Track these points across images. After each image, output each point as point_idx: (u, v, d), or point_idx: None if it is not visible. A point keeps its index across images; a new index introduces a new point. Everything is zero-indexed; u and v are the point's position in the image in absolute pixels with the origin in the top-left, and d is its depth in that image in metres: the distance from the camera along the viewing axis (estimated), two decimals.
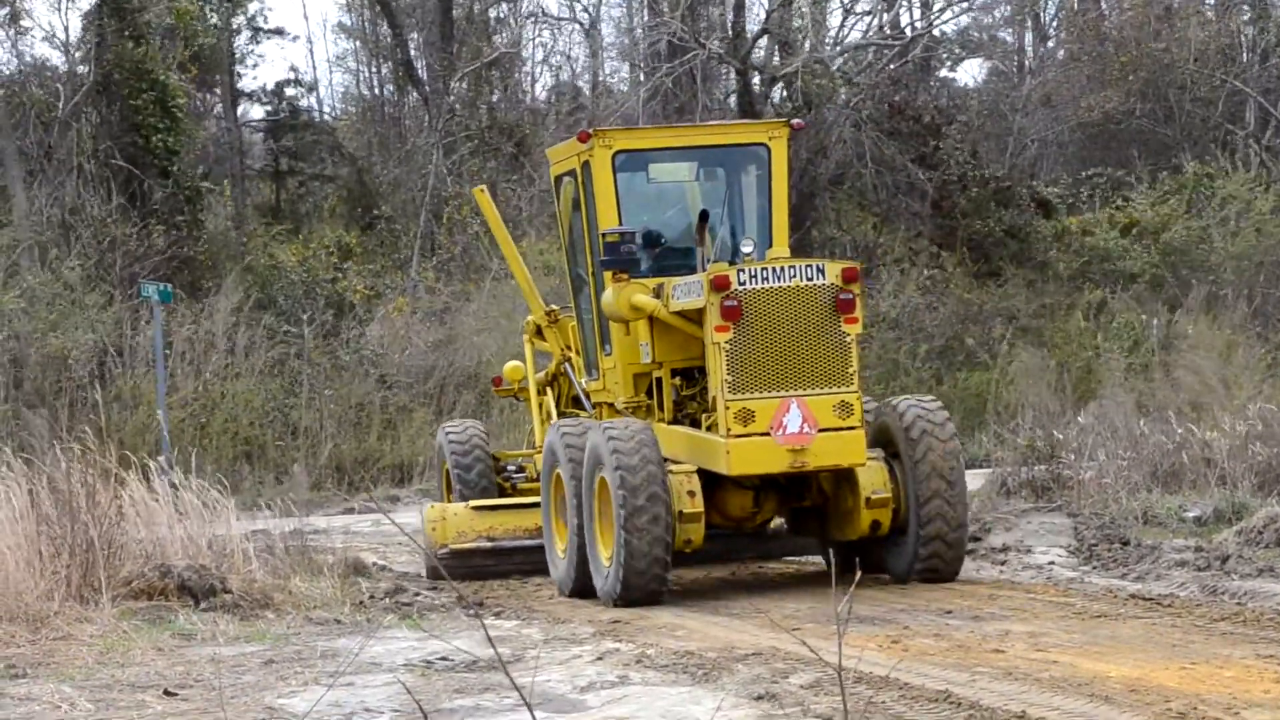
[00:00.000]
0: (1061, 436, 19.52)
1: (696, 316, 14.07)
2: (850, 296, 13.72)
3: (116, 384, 27.86)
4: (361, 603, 14.76)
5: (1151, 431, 19.92)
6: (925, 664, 10.65)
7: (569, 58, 45.86)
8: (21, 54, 36.82)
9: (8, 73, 35.44)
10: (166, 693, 10.85)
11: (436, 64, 38.51)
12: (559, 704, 10.24)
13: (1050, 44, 45.68)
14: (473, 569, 15.74)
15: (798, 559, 16.45)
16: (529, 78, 45.50)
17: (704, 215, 14.88)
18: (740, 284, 13.61)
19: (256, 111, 44.17)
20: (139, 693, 10.91)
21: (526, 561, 15.74)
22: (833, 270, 13.81)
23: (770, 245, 15.18)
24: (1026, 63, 44.56)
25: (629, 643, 12.17)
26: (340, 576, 15.49)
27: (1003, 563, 16.13)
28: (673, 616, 13.39)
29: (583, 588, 14.33)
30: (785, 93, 35.16)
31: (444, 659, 11.84)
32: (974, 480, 21.55)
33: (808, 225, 34.73)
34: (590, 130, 15.12)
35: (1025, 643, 11.41)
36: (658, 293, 14.49)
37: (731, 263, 14.28)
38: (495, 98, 39.76)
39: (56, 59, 36.19)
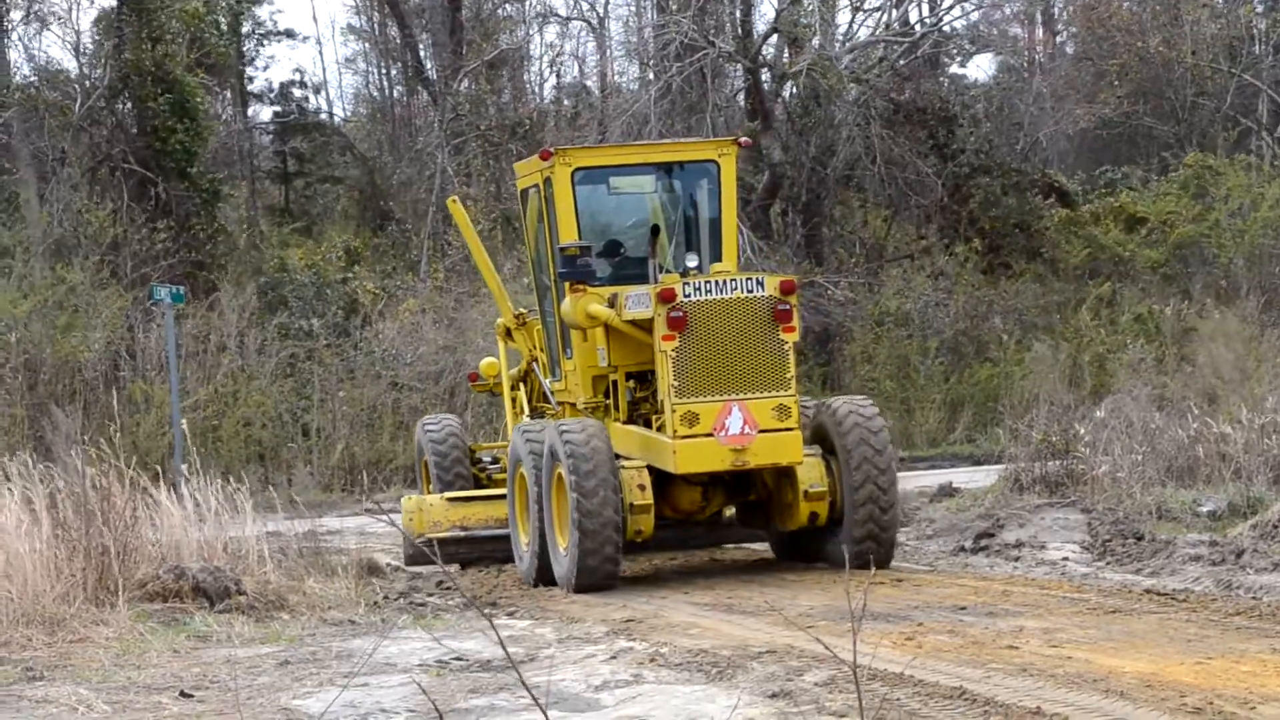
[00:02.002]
0: (1075, 431, 19.47)
1: (647, 325, 15.04)
2: (788, 307, 14.79)
3: (129, 387, 27.90)
4: (376, 603, 14.78)
5: (1166, 425, 19.89)
6: (940, 660, 10.65)
7: (577, 57, 45.92)
8: (35, 57, 36.93)
9: (21, 78, 35.48)
10: (182, 694, 10.87)
11: (444, 64, 38.54)
12: (573, 703, 10.25)
13: (1060, 39, 45.65)
14: (447, 556, 16.54)
15: (748, 546, 17.36)
16: (537, 77, 45.56)
17: (655, 229, 15.83)
18: (685, 296, 14.73)
19: (265, 113, 44.27)
20: (155, 694, 10.93)
21: (498, 549, 16.53)
22: (771, 283, 14.91)
23: (720, 258, 16.04)
24: (1036, 58, 44.52)
25: (643, 641, 12.17)
26: (354, 577, 15.52)
27: (1017, 559, 16.12)
28: (686, 615, 13.39)
29: (544, 576, 15.33)
30: (794, 90, 35.15)
31: (458, 659, 11.85)
32: (988, 476, 21.59)
33: (816, 222, 34.72)
34: (551, 149, 16.02)
35: (1040, 639, 11.39)
36: (612, 302, 15.37)
37: (683, 274, 15.32)
38: (504, 97, 39.77)
39: (69, 62, 36.28)
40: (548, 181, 15.98)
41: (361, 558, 16.83)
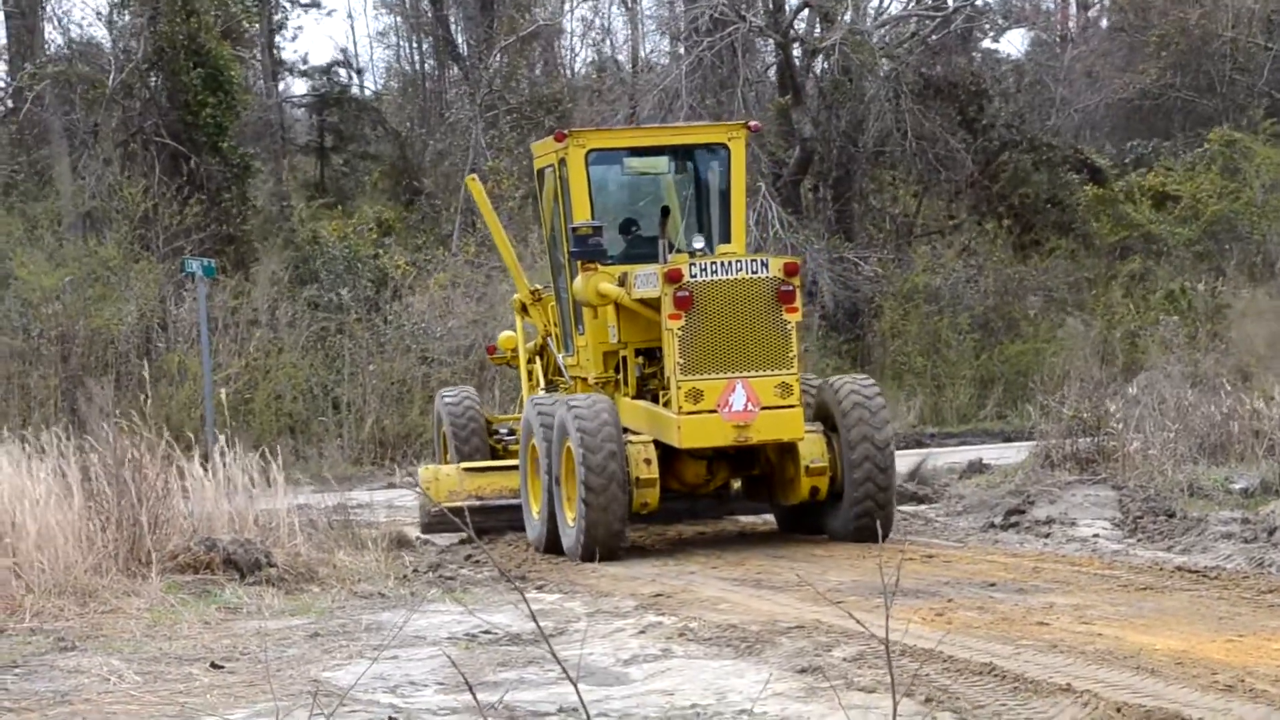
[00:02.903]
0: (1107, 408, 19.40)
1: (655, 304, 15.52)
2: (791, 288, 15.21)
3: (161, 359, 27.99)
4: (405, 576, 14.83)
5: (1198, 402, 19.80)
6: (970, 637, 10.63)
7: (609, 32, 45.81)
8: (68, 31, 36.99)
9: (54, 50, 35.53)
10: (213, 665, 10.91)
11: (476, 39, 38.49)
12: (602, 677, 10.26)
13: (1092, 13, 45.40)
14: (464, 525, 16.62)
15: (755, 518, 17.73)
16: (569, 52, 45.48)
17: (665, 210, 16.26)
18: (691, 276, 15.17)
19: (297, 86, 44.28)
20: (186, 665, 10.99)
21: (512, 519, 16.84)
22: (775, 264, 15.33)
23: (729, 240, 16.50)
24: (1069, 33, 44.29)
25: (672, 616, 12.18)
26: (384, 550, 15.57)
27: (1047, 535, 16.08)
28: (715, 590, 13.40)
29: (553, 545, 15.78)
30: (825, 65, 35.02)
31: (487, 632, 11.88)
32: (1018, 453, 21.53)
33: (847, 198, 34.63)
34: (566, 131, 16.51)
35: (1070, 615, 11.37)
36: (622, 281, 15.86)
37: (691, 254, 15.77)
38: (536, 71, 39.72)
39: (101, 35, 36.32)
40: (562, 162, 16.36)
41: (391, 531, 16.88)
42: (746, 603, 12.68)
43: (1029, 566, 13.88)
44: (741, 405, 15.06)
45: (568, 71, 43.61)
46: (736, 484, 16.59)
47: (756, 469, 16.19)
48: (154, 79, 33.21)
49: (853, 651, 10.29)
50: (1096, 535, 15.85)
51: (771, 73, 36.69)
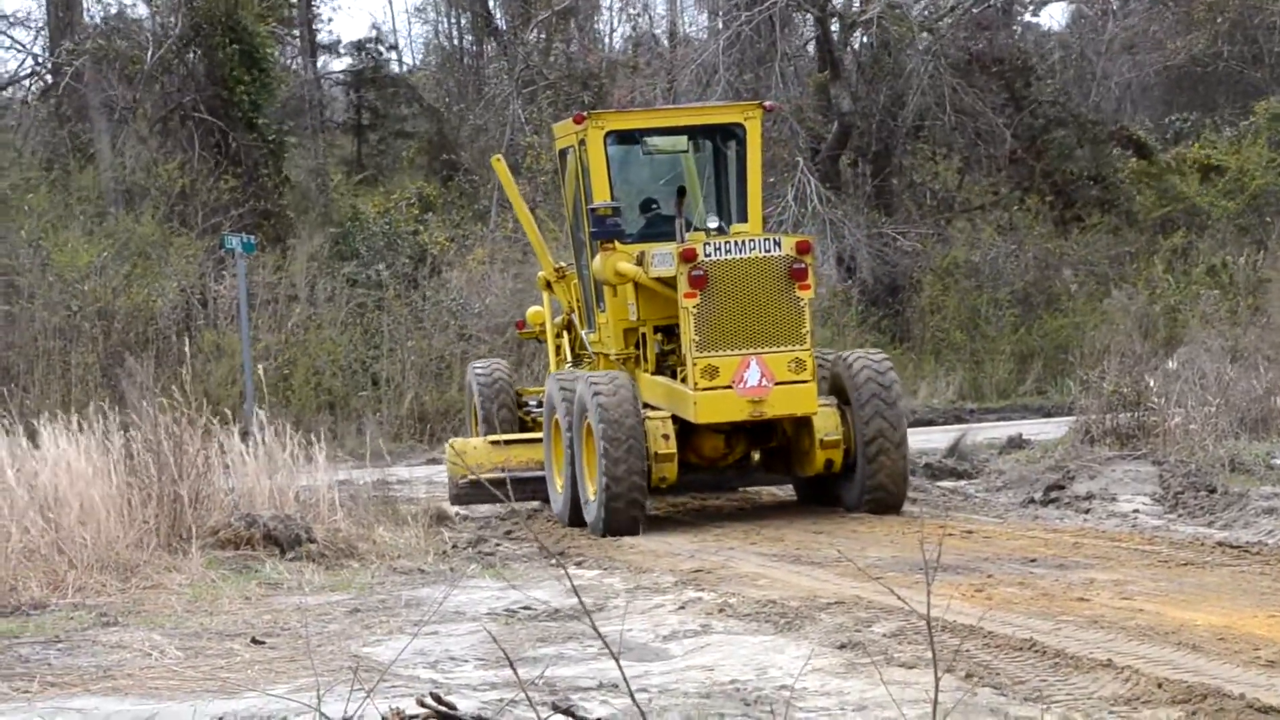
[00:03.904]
0: (1147, 383, 19.32)
1: (672, 282, 15.81)
2: (803, 266, 15.52)
3: (201, 335, 28.09)
4: (445, 552, 14.87)
5: (1239, 377, 19.71)
6: (1010, 613, 10.61)
7: (646, 6, 45.68)
8: (106, 6, 37.06)
9: (92, 25, 35.61)
10: (254, 641, 10.96)
11: (513, 13, 38.43)
12: (641, 653, 10.27)
13: None
14: (489, 497, 17.17)
15: (774, 489, 18.19)
16: (607, 27, 45.39)
17: (681, 190, 16.46)
18: (706, 255, 15.49)
19: (335, 64, 44.31)
20: (227, 641, 11.04)
21: (536, 490, 17.12)
22: (788, 243, 15.66)
23: (745, 219, 16.83)
24: (1111, 6, 43.97)
25: (711, 592, 12.18)
26: (424, 526, 15.62)
27: (1087, 511, 16.03)
28: (754, 566, 13.40)
29: (576, 518, 16.12)
30: (864, 39, 34.87)
31: (526, 608, 11.90)
32: (1058, 428, 21.47)
33: (886, 173, 34.51)
34: (585, 113, 16.84)
35: (1111, 591, 11.33)
36: (640, 260, 16.17)
37: (708, 233, 16.16)
38: (573, 47, 39.65)
39: (142, 10, 36.38)
40: (582, 144, 16.68)
41: (431, 507, 16.93)
42: (786, 578, 12.68)
43: (1069, 542, 13.83)
44: (756, 381, 15.39)
45: (605, 47, 43.51)
46: (756, 456, 16.86)
47: (774, 441, 16.49)
48: (191, 55, 33.26)
49: (893, 627, 10.28)
50: (1137, 511, 15.80)
51: (810, 47, 36.56)
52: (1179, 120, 38.41)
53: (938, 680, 6.42)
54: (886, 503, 15.78)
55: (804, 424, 15.94)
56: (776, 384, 15.38)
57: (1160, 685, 8.40)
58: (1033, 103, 34.14)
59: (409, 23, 60.81)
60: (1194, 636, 9.59)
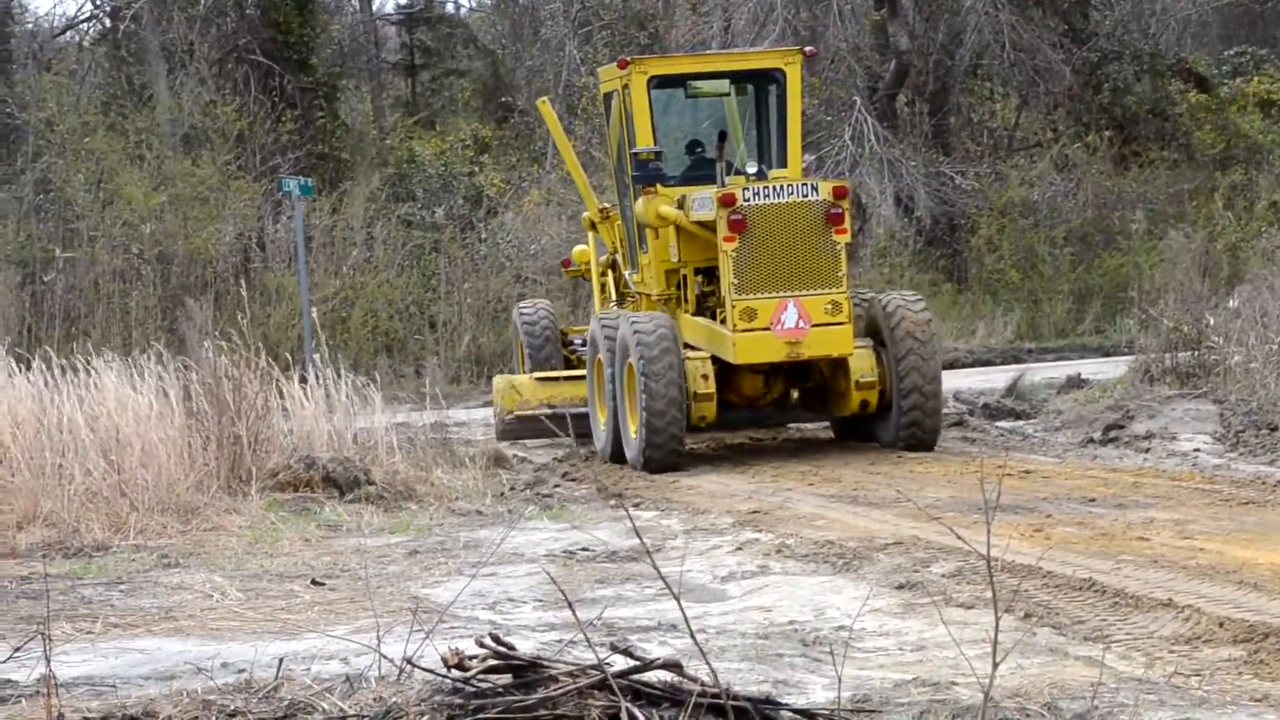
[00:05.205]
0: (1207, 321, 19.15)
1: (712, 226, 16.15)
2: (840, 210, 15.85)
3: (259, 278, 28.18)
4: (502, 494, 14.92)
5: None
6: (1069, 552, 10.57)
7: None
8: None
9: None
10: (314, 582, 11.04)
11: None
12: (699, 594, 10.30)
13: None
14: (536, 431, 17.71)
15: (812, 426, 18.40)
16: None
17: (722, 135, 16.78)
18: (745, 200, 15.83)
19: (390, 4, 44.23)
20: (287, 582, 11.11)
21: (580, 426, 17.28)
22: (825, 188, 15.96)
23: (785, 164, 17.15)
24: None
25: (769, 533, 12.19)
26: (481, 468, 15.67)
27: (1147, 450, 15.95)
28: (812, 507, 13.40)
29: (618, 455, 16.56)
30: None
31: (585, 549, 11.94)
32: (1117, 367, 21.33)
33: (944, 111, 34.24)
34: (629, 59, 17.17)
35: (1171, 530, 11.28)
36: (680, 204, 16.51)
37: (748, 177, 16.45)
38: None
39: None
40: (625, 89, 17.04)
41: (488, 449, 16.98)
42: (843, 519, 12.67)
43: (1128, 481, 13.77)
44: (793, 323, 15.75)
45: None
46: (795, 394, 17.26)
47: (811, 382, 16.87)
48: None
49: (951, 568, 10.27)
50: (1197, 450, 15.70)
51: None
52: (1238, 55, 37.94)
53: (998, 620, 6.41)
54: (921, 441, 16.16)
55: (840, 365, 16.30)
56: (813, 326, 15.76)
57: (1221, 624, 8.36)
58: (1091, 35, 33.77)
59: None
60: (1255, 575, 9.54)
